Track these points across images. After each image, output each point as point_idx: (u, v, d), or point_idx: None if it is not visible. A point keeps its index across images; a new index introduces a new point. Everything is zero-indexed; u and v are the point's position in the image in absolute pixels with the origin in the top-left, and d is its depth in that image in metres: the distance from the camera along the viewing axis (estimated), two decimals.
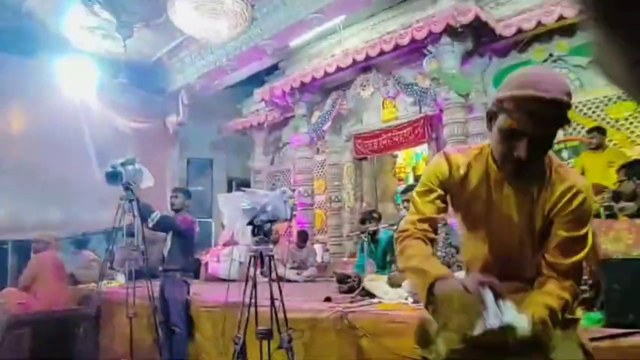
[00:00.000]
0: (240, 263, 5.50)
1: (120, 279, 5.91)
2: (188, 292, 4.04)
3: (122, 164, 3.93)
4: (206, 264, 6.08)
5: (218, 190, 8.75)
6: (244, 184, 8.04)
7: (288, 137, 8.37)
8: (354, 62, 6.42)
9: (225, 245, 6.19)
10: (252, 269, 2.94)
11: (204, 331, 3.84)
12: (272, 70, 8.41)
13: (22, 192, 6.59)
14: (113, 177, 3.88)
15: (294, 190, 6.74)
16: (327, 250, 7.17)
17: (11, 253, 7.46)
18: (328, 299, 3.46)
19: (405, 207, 3.84)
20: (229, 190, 9.00)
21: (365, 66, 6.63)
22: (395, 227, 3.37)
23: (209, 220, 7.97)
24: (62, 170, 6.77)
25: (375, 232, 4.15)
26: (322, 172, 7.71)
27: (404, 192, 4.10)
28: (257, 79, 8.49)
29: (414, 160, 8.11)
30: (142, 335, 4.04)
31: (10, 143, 6.77)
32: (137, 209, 3.88)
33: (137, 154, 4.21)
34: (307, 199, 7.49)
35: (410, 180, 7.68)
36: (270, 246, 3.02)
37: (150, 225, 3.92)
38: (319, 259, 6.66)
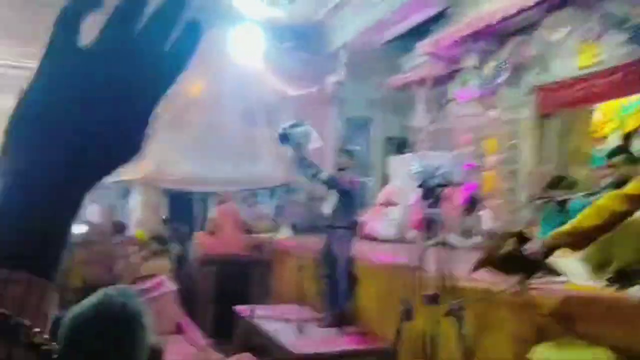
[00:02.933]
0: (400, 225, 5.58)
1: (287, 232, 6.56)
2: (351, 250, 4.28)
3: (292, 126, 4.31)
4: (364, 223, 6.32)
5: (375, 149, 8.87)
6: (402, 144, 8.00)
7: (454, 92, 7.95)
8: None
9: (385, 205, 6.32)
10: (419, 233, 2.97)
11: (367, 290, 4.04)
12: (437, 19, 7.98)
13: (204, 150, 7.69)
14: (284, 138, 4.31)
15: (459, 152, 6.47)
16: (497, 217, 6.77)
17: (196, 203, 8.89)
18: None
19: (610, 174, 3.36)
20: (386, 149, 9.05)
21: (556, 3, 5.81)
22: (593, 197, 2.98)
23: (367, 179, 8.22)
24: (236, 131, 7.68)
25: (564, 201, 3.76)
26: (494, 130, 7.17)
27: (611, 155, 3.56)
28: (419, 32, 8.17)
29: (620, 115, 6.76)
30: (308, 284, 4.46)
31: (192, 106, 7.89)
32: (305, 168, 4.25)
33: (299, 116, 4.56)
34: (475, 161, 7.10)
35: (615, 141, 6.50)
36: (439, 210, 2.99)
37: (319, 182, 4.24)
38: (488, 226, 6.35)
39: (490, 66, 6.77)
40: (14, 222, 0.32)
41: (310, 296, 4.48)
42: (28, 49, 5.44)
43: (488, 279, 3.03)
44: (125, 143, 0.35)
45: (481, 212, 6.49)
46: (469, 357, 2.56)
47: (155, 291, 3.82)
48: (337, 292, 4.15)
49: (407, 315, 2.86)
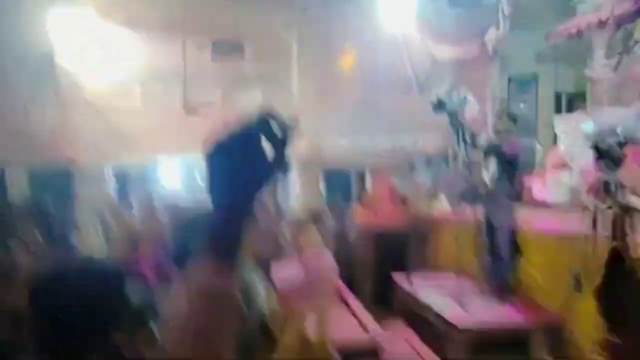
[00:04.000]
0: (572, 189, 5.05)
1: (444, 202, 6.46)
2: (514, 218, 4.07)
3: (447, 93, 4.24)
4: (530, 188, 5.87)
5: (544, 108, 8.02)
6: (576, 99, 7.09)
7: None
8: None
9: (555, 168, 5.76)
10: (594, 198, 2.72)
11: (532, 259, 3.82)
12: None
13: (359, 125, 7.94)
14: (439, 106, 4.26)
15: None
16: None
17: (353, 176, 9.27)
18: None
19: None
20: (557, 107, 8.13)
21: None
22: None
23: (534, 141, 7.51)
24: (389, 102, 7.74)
25: None
26: None
27: None
28: None
29: None
30: (467, 255, 4.39)
31: (345, 81, 8.16)
32: (462, 135, 4.15)
33: (456, 79, 4.40)
34: None
35: None
36: (618, 172, 2.70)
37: (478, 149, 4.12)
38: None
39: None
40: (221, 236, 0.56)
41: (468, 268, 4.41)
42: None
43: None
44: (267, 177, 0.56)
45: None
46: None
47: (315, 263, 4.13)
48: (499, 263, 4.02)
49: (578, 286, 2.66)
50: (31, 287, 1.03)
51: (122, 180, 10.03)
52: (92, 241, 5.99)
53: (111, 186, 8.46)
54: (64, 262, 1.08)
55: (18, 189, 8.11)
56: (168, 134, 7.83)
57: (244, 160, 0.53)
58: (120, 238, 6.78)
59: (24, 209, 7.57)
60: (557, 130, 6.42)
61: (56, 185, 8.11)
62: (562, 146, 6.04)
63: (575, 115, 5.68)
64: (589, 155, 4.82)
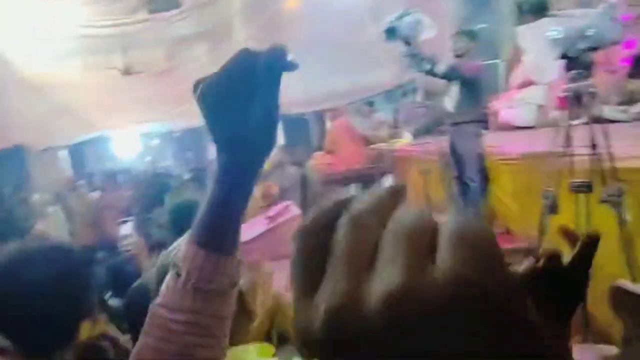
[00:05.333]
0: (540, 106, 4.94)
1: (407, 136, 6.29)
2: (481, 144, 3.94)
3: (399, 18, 3.92)
4: (496, 111, 5.75)
5: (504, 24, 7.74)
6: (539, 9, 6.80)
7: None
8: None
9: (520, 87, 5.62)
10: (562, 112, 2.60)
11: (503, 185, 3.73)
12: None
13: (311, 66, 7.56)
14: (391, 33, 3.94)
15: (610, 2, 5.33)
16: None
17: (311, 123, 9.00)
18: None
19: None
20: (519, 21, 7.85)
21: None
22: None
23: (496, 61, 7.27)
24: (340, 38, 7.33)
25: None
26: None
27: None
28: None
29: None
30: (435, 190, 4.28)
31: (292, 21, 7.67)
32: (419, 62, 3.89)
33: (409, 2, 4.11)
34: (634, 10, 5.83)
35: None
36: (590, 81, 2.59)
37: (437, 76, 3.90)
38: None
39: None
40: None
41: (437, 202, 4.31)
42: None
43: None
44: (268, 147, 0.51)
45: None
46: (630, 248, 2.22)
47: (281, 217, 3.97)
48: (468, 192, 3.92)
49: (552, 208, 2.55)
50: None
51: (78, 157, 9.61)
52: (54, 225, 5.70)
53: (67, 165, 8.16)
54: (25, 247, 0.97)
55: None
56: (113, 102, 7.45)
57: (247, 92, 0.48)
58: (83, 218, 6.57)
59: None
60: (522, 42, 6.19)
61: (9, 171, 7.84)
62: (527, 59, 5.83)
63: (541, 22, 5.44)
64: (557, 66, 4.69)
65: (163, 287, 0.49)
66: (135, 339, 0.65)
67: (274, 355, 1.33)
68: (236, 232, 0.51)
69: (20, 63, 7.09)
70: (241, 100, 0.48)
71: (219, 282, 0.48)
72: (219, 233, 0.49)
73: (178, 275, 0.47)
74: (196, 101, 0.49)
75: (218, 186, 0.49)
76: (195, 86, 0.49)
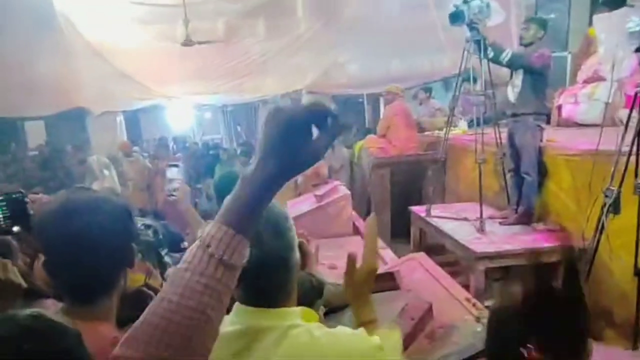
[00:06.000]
0: (606, 104, 4.75)
1: (463, 125, 6.21)
2: (541, 138, 3.86)
3: (466, 1, 3.85)
4: (559, 106, 5.56)
5: (576, 15, 7.38)
6: None
7: None
8: None
9: (586, 82, 5.40)
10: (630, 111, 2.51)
11: (561, 181, 3.65)
12: None
13: (368, 48, 7.52)
14: (456, 17, 3.88)
15: None
16: None
17: (366, 105, 8.97)
18: None
19: None
20: (592, 10, 7.47)
21: None
22: None
23: (564, 54, 6.92)
24: (401, 22, 7.23)
25: None
26: None
27: None
28: None
29: None
30: (488, 181, 4.24)
31: (350, 1, 7.62)
32: (483, 49, 3.83)
33: None
34: None
35: None
36: None
37: (501, 65, 3.84)
38: None
39: None
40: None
41: (490, 194, 4.26)
42: None
43: None
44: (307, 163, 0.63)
45: None
46: None
47: (330, 196, 4.06)
48: (524, 187, 3.87)
49: (614, 207, 2.51)
50: (37, 221, 1.05)
51: (133, 124, 10.03)
52: (108, 186, 6.05)
53: (123, 130, 8.55)
54: (72, 198, 1.02)
55: (35, 138, 8.38)
56: (170, 72, 7.72)
57: (301, 138, 0.61)
58: (136, 182, 6.93)
59: (41, 157, 7.79)
60: (597, 31, 5.85)
61: (71, 132, 8.36)
62: (601, 50, 5.53)
63: (617, 13, 5.12)
64: (631, 62, 4.47)
65: (189, 255, 0.60)
66: None
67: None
68: (257, 220, 0.62)
69: (86, 27, 7.39)
70: (303, 137, 0.61)
71: (236, 259, 0.59)
72: (245, 220, 0.60)
73: (208, 246, 0.58)
74: (268, 121, 0.61)
75: (256, 186, 0.60)
76: (273, 111, 0.61)
